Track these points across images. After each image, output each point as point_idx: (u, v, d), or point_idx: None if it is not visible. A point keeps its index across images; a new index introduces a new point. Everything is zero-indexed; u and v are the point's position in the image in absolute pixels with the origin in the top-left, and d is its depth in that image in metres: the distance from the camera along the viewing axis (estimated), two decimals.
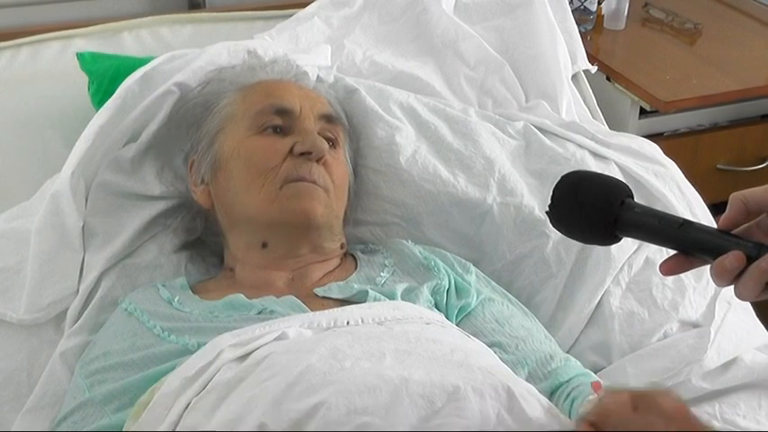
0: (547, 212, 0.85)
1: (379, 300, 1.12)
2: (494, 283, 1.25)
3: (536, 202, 1.33)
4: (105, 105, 1.32)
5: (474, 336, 1.07)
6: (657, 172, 1.41)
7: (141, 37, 1.77)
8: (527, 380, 1.03)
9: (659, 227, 0.80)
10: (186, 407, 0.91)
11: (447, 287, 1.19)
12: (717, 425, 1.17)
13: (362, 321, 1.00)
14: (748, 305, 1.33)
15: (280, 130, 1.22)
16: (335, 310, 1.04)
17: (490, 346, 1.07)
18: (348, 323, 1.00)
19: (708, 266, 1.27)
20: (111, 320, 1.17)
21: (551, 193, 0.84)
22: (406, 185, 1.35)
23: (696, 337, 1.24)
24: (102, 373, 1.08)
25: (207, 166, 1.23)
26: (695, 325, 1.27)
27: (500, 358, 1.02)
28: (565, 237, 1.29)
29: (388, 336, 0.96)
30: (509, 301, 1.22)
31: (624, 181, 0.88)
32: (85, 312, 1.21)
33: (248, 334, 0.98)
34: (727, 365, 1.23)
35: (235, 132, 1.22)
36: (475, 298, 1.18)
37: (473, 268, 1.24)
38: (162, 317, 1.12)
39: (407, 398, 0.83)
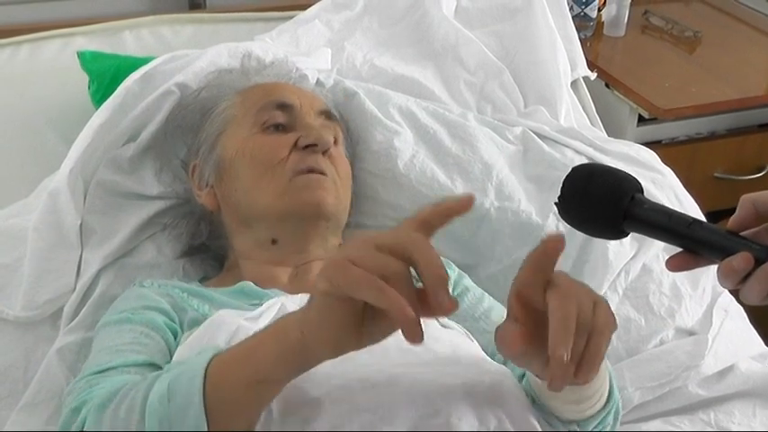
0: (556, 203, 0.83)
1: None
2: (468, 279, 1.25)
3: (533, 207, 1.33)
4: (105, 104, 1.32)
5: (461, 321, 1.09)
6: (655, 179, 1.41)
7: (142, 36, 1.78)
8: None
9: (668, 224, 0.79)
10: None
11: None
12: None
13: None
14: (744, 314, 1.34)
15: (282, 128, 1.21)
16: None
17: (476, 332, 1.09)
18: None
19: (703, 275, 1.31)
20: (124, 295, 1.15)
21: (561, 185, 0.83)
22: (404, 189, 1.35)
23: (693, 344, 1.24)
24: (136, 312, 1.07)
25: (211, 168, 1.23)
26: (691, 332, 1.28)
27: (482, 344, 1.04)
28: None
29: None
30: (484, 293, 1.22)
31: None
32: (82, 310, 1.21)
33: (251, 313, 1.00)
34: (723, 373, 1.23)
35: (237, 133, 1.22)
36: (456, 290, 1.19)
37: (453, 265, 1.24)
38: (181, 287, 1.13)
39: (408, 396, 0.84)
